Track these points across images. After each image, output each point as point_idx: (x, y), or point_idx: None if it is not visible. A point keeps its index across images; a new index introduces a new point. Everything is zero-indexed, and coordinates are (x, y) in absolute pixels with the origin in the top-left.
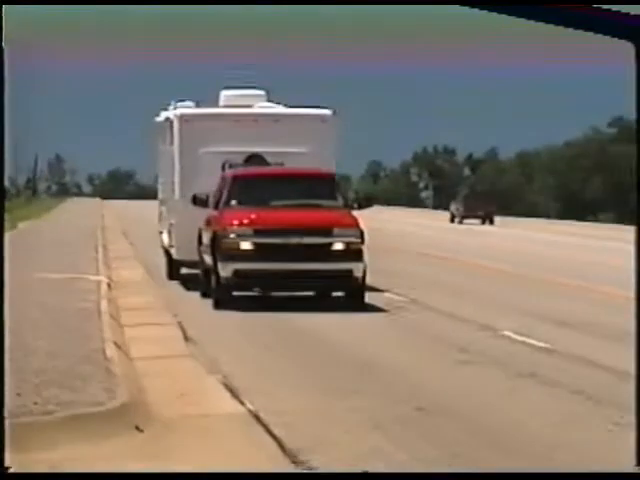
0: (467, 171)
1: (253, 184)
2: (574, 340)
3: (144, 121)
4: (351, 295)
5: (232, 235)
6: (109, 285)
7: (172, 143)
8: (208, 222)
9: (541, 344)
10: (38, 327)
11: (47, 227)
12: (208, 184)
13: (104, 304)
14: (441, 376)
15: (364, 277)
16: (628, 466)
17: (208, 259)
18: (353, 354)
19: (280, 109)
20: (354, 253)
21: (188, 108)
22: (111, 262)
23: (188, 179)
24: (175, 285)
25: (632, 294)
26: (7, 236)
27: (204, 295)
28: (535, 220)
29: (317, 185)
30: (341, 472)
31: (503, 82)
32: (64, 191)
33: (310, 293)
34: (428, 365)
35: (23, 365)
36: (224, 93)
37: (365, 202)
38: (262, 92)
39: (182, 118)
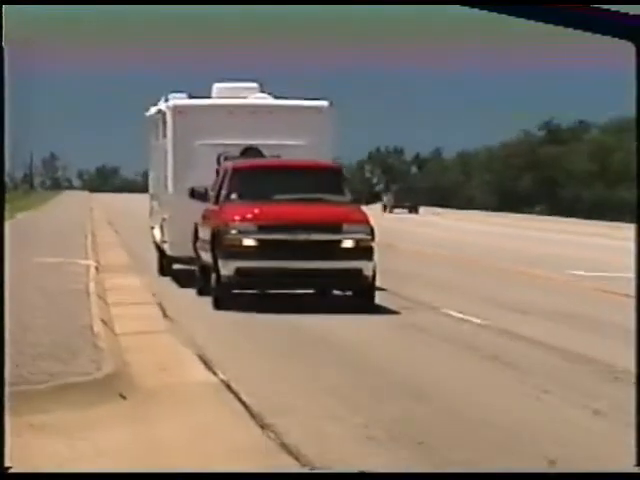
0: (414, 169)
1: (255, 177)
2: (508, 318)
3: (130, 121)
4: (360, 295)
5: (234, 231)
6: (97, 268)
7: (165, 136)
8: (206, 217)
9: (479, 321)
10: (34, 306)
11: (42, 217)
12: (203, 178)
13: (92, 285)
14: (392, 350)
15: (374, 276)
16: (628, 466)
17: (207, 256)
18: (310, 325)
19: (276, 100)
20: (364, 251)
21: (181, 99)
22: (98, 248)
23: (182, 172)
24: (154, 265)
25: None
26: (7, 225)
27: (200, 293)
28: (471, 212)
29: (323, 178)
30: (341, 472)
31: (454, 84)
32: (57, 185)
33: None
34: (377, 337)
35: (21, 339)
36: (217, 86)
37: (372, 198)
38: (255, 84)
39: (175, 109)
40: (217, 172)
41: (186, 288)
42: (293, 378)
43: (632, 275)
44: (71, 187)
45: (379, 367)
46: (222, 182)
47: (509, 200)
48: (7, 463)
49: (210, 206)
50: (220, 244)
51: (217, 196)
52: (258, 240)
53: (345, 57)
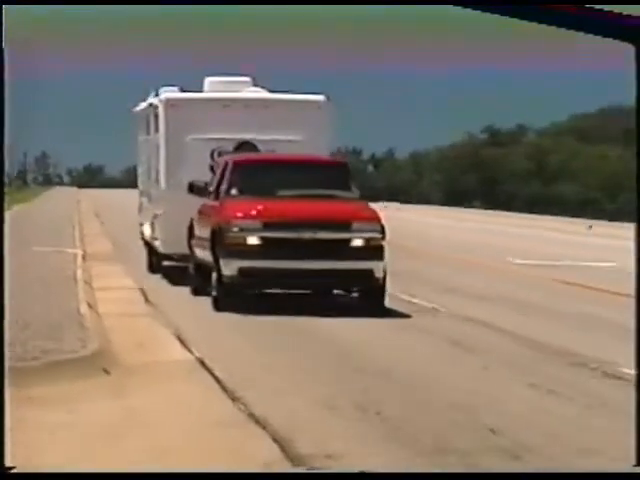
0: (371, 168)
1: (257, 172)
2: (456, 302)
3: (114, 121)
4: (370, 297)
5: (236, 229)
6: (83, 257)
7: (157, 130)
8: (204, 213)
9: (429, 305)
10: (27, 290)
11: (35, 209)
12: (196, 173)
13: (79, 272)
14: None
15: (385, 278)
16: (627, 466)
17: (205, 254)
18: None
19: (272, 94)
20: (375, 250)
21: (174, 92)
22: (85, 238)
23: (175, 167)
24: (138, 256)
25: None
26: (7, 215)
27: (195, 292)
28: (420, 206)
29: (329, 174)
30: (341, 472)
31: (411, 85)
32: (48, 181)
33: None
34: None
35: (15, 319)
36: (209, 80)
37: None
38: (248, 78)
39: (168, 103)
40: (211, 168)
41: (167, 276)
42: (266, 357)
43: (564, 263)
44: (61, 183)
45: (344, 349)
46: (222, 177)
47: (455, 197)
48: (8, 463)
49: (209, 202)
50: (221, 242)
51: (217, 191)
52: (262, 238)
53: (305, 59)
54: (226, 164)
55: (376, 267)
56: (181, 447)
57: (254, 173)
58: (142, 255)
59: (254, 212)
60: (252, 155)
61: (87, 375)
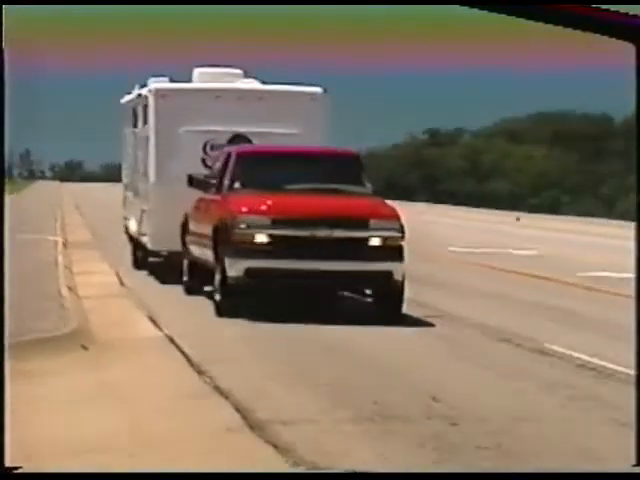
0: None
1: (263, 164)
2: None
3: (94, 121)
4: (386, 301)
5: (243, 225)
6: (64, 244)
7: (146, 122)
8: (202, 208)
9: None
10: (13, 273)
11: (22, 201)
12: (188, 166)
13: (60, 257)
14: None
15: (404, 280)
16: (627, 466)
17: (205, 253)
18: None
19: (267, 86)
20: (394, 251)
21: (164, 83)
22: (66, 227)
23: (165, 160)
24: (115, 244)
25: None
26: None
27: (189, 292)
28: None
29: (340, 167)
30: (341, 472)
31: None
32: (32, 176)
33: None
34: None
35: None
36: (198, 71)
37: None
38: (239, 70)
39: (158, 93)
40: (203, 161)
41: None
42: (231, 335)
43: (492, 250)
44: (44, 177)
45: (308, 327)
46: (224, 169)
47: (399, 193)
48: (8, 463)
49: (208, 196)
50: (227, 240)
51: (219, 185)
52: (272, 236)
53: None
54: (229, 155)
55: (395, 269)
56: (150, 415)
57: (259, 165)
58: (119, 243)
59: (263, 207)
60: (257, 146)
61: (67, 350)
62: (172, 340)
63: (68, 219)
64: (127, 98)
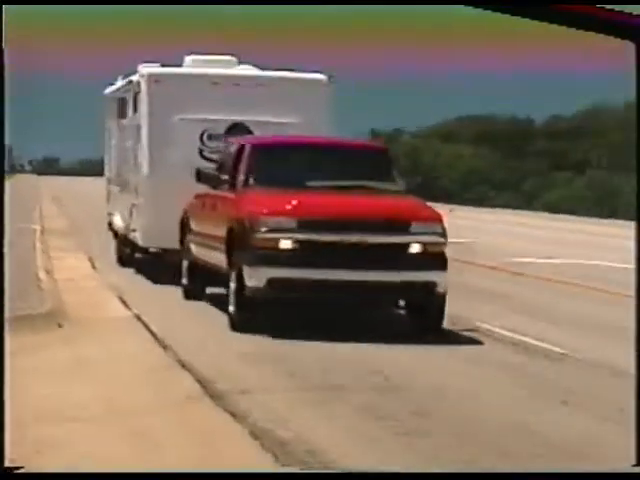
0: None
1: (282, 157)
2: None
3: (71, 118)
4: (426, 316)
5: (265, 228)
6: (42, 231)
7: (137, 110)
8: (211, 206)
9: None
10: None
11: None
12: (184, 157)
13: (38, 244)
14: None
15: (446, 292)
16: (627, 466)
17: (214, 257)
18: None
19: (268, 72)
20: (438, 258)
21: (156, 68)
22: (44, 216)
23: (159, 151)
24: (90, 232)
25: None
26: None
27: (188, 296)
28: None
29: (369, 162)
30: (341, 472)
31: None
32: (13, 169)
33: None
34: None
35: None
36: (190, 58)
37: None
38: (233, 58)
39: (151, 78)
40: (201, 152)
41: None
42: (192, 315)
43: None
44: (23, 171)
45: None
46: (237, 163)
47: None
48: (7, 463)
49: (216, 192)
50: (245, 245)
51: (232, 181)
52: (298, 241)
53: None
54: (242, 148)
55: (439, 279)
56: (119, 385)
57: (278, 159)
58: (94, 231)
59: (288, 207)
60: (275, 137)
61: (45, 328)
62: (139, 318)
63: (45, 209)
64: (112, 88)
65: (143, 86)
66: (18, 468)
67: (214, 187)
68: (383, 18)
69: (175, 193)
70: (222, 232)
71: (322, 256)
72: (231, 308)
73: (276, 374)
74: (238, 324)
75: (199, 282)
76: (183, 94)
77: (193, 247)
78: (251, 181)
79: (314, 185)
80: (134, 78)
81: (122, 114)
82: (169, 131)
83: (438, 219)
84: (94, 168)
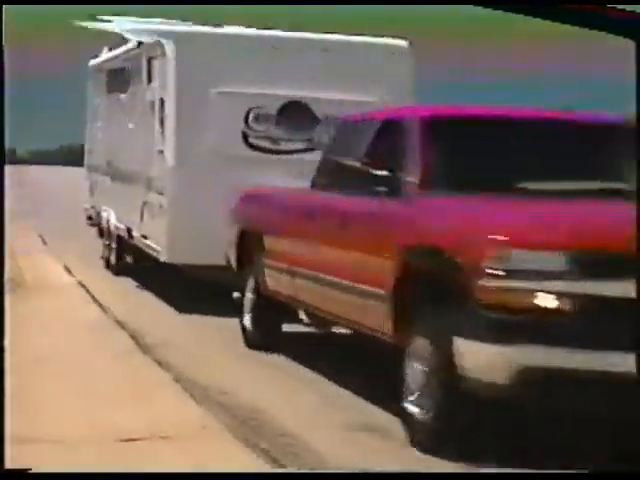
0: None
1: (479, 142)
2: None
3: (23, 108)
4: None
5: (501, 271)
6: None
7: (151, 81)
8: (323, 219)
9: None
10: None
11: None
12: (223, 143)
13: None
14: None
15: None
16: (622, 466)
17: (346, 308)
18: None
19: (332, 35)
20: None
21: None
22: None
23: (190, 136)
24: (45, 215)
25: None
26: None
27: (250, 344)
28: None
29: (617, 149)
30: (341, 472)
31: None
32: None
33: None
34: None
35: None
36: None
37: None
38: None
39: (180, 38)
40: (244, 136)
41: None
42: (127, 283)
43: None
44: None
45: None
46: (395, 152)
47: None
48: (7, 464)
49: (339, 196)
50: (458, 299)
51: (392, 183)
52: (575, 297)
53: None
54: (399, 126)
55: None
56: (62, 335)
57: (474, 145)
58: (49, 212)
59: (553, 232)
60: (462, 109)
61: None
62: (82, 284)
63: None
64: (101, 58)
65: (169, 49)
66: (17, 468)
67: (323, 187)
68: (383, 18)
69: (211, 191)
70: (378, 269)
71: (614, 320)
72: (419, 416)
73: None
74: (440, 446)
75: (271, 323)
76: (222, 62)
77: (274, 279)
78: (433, 183)
79: (547, 190)
80: (151, 40)
81: (120, 88)
82: (204, 109)
83: None
84: (45, 157)
